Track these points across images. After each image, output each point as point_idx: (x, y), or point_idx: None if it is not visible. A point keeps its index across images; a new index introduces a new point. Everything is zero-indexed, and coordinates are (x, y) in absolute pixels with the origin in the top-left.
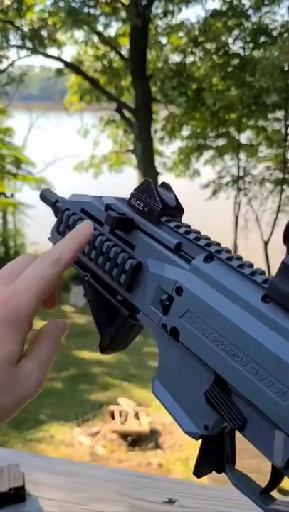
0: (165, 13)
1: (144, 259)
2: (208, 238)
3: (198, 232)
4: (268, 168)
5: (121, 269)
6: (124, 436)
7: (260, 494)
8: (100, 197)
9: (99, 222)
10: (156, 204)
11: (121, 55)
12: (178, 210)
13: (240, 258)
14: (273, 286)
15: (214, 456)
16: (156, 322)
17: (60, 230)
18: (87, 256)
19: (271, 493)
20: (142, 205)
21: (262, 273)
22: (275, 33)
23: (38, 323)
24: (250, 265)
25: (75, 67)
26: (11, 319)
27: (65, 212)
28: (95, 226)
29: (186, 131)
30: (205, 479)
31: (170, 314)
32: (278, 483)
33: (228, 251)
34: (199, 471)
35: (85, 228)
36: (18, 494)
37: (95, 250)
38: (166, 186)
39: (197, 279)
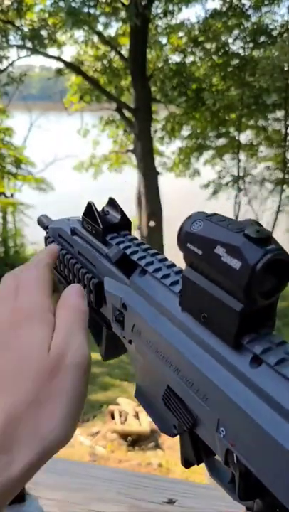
0: (165, 13)
1: (102, 277)
2: (147, 249)
3: (141, 244)
4: (268, 168)
5: (88, 289)
6: (124, 436)
7: (229, 483)
8: (69, 219)
9: (70, 244)
10: (97, 225)
11: (121, 55)
12: (123, 224)
13: (171, 266)
14: (182, 298)
15: (190, 450)
16: (120, 335)
17: None
18: (63, 275)
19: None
20: (91, 227)
21: None
22: (274, 33)
23: None
24: (179, 272)
25: (75, 67)
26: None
27: (47, 240)
28: (67, 248)
29: (186, 131)
30: (205, 479)
31: (125, 329)
32: None
33: (162, 260)
34: (185, 462)
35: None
36: (18, 494)
37: (67, 269)
38: (111, 203)
39: (135, 294)
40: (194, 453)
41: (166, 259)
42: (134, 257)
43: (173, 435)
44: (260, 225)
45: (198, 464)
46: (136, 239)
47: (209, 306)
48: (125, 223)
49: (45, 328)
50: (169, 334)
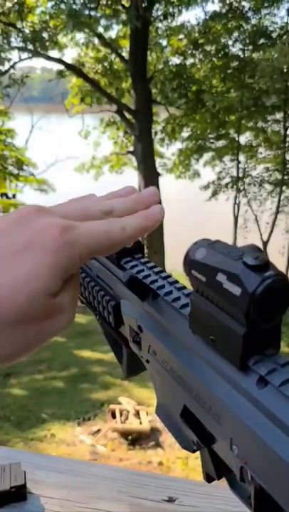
0: (165, 16)
1: (119, 299)
2: (158, 273)
3: (153, 267)
4: (268, 169)
5: (107, 311)
6: (124, 434)
7: (249, 498)
8: None
9: (89, 268)
10: None
11: (121, 57)
12: (136, 248)
13: (181, 289)
14: (191, 321)
15: (210, 465)
16: (138, 355)
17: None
18: (83, 296)
19: None
20: None
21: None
22: (274, 35)
23: None
24: (188, 294)
25: (76, 69)
26: (65, 251)
27: None
28: (87, 272)
29: (186, 133)
30: None
31: (142, 349)
32: None
33: (172, 283)
34: (206, 477)
35: (157, 210)
36: (20, 493)
37: (87, 291)
38: None
39: (148, 316)
40: (215, 468)
41: (176, 282)
42: (147, 281)
43: (193, 451)
44: (260, 250)
45: (218, 479)
46: (149, 262)
47: (215, 329)
48: (138, 247)
49: (62, 273)
50: (180, 355)
